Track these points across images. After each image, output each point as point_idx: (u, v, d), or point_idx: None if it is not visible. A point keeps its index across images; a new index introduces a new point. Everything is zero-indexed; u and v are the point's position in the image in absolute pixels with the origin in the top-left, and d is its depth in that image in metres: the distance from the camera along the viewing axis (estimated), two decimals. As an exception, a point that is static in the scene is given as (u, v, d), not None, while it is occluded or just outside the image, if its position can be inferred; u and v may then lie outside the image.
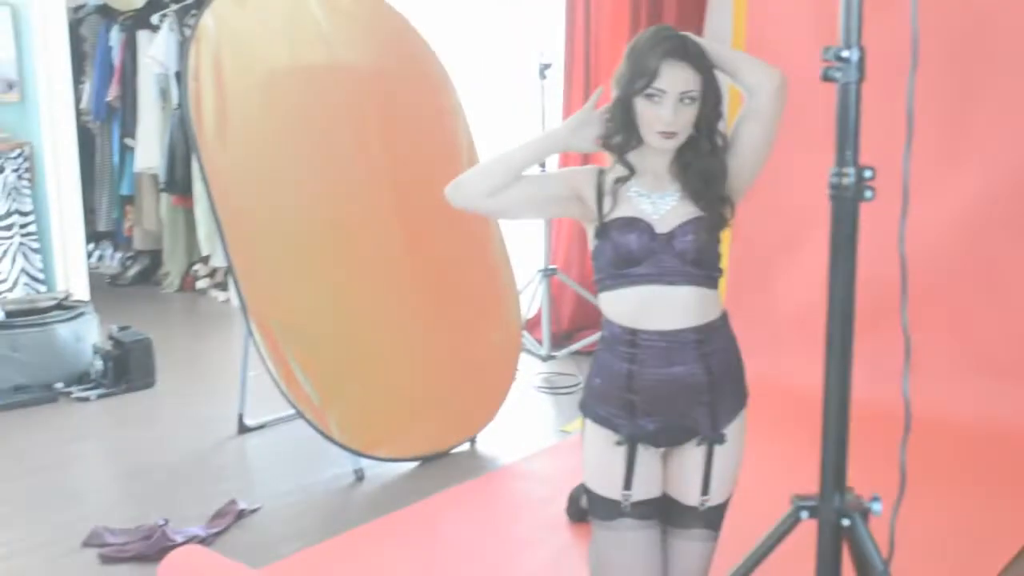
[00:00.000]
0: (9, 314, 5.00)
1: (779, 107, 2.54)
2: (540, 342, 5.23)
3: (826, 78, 1.49)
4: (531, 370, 5.01)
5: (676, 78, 2.45)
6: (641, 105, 2.49)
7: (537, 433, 4.25)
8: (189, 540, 3.23)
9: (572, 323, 5.47)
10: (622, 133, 2.57)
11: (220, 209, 3.65)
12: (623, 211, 2.57)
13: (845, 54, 1.45)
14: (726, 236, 4.88)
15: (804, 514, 1.61)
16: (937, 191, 4.26)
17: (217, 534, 3.34)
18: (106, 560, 3.19)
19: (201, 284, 7.07)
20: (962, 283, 4.26)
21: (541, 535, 3.28)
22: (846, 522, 1.58)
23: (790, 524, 1.65)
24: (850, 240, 1.51)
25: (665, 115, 2.45)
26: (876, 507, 1.54)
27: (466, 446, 4.07)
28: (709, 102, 2.51)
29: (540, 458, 3.94)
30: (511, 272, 4.34)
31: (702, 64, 2.48)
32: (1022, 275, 4.07)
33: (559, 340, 5.24)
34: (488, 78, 5.69)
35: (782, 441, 3.64)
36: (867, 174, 1.50)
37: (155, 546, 3.18)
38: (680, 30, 2.57)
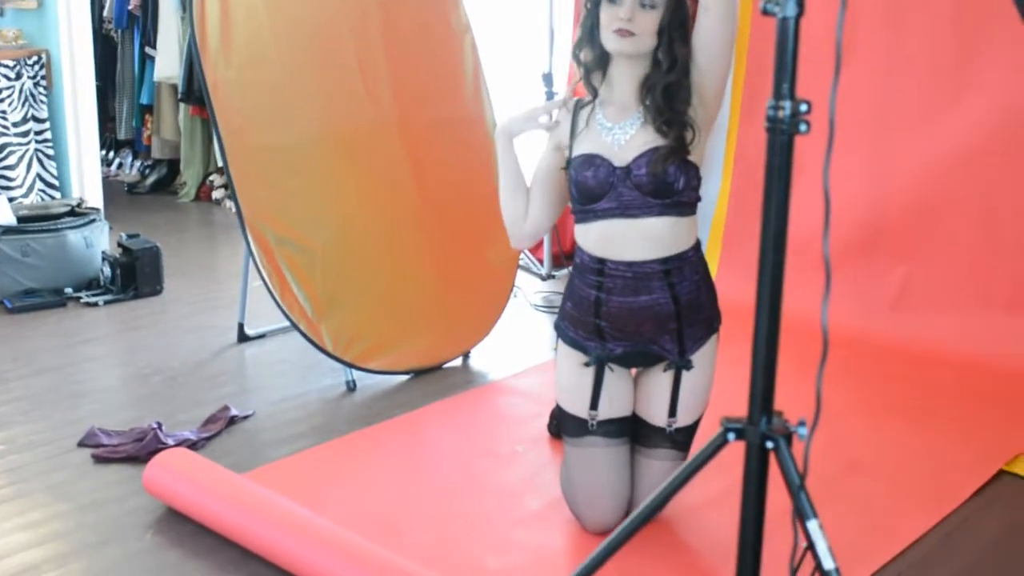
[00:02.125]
0: (21, 219, 5.09)
1: None
2: (541, 262, 5.29)
3: (764, 12, 1.52)
4: (531, 288, 5.08)
5: None
6: (603, 10, 2.53)
7: (532, 351, 4.32)
8: (180, 443, 3.32)
9: (573, 244, 5.50)
10: (588, 45, 2.61)
11: (221, 122, 3.70)
12: (586, 147, 2.62)
13: (784, -11, 1.48)
14: (729, 161, 4.95)
15: (731, 436, 1.68)
16: (935, 124, 4.26)
17: (208, 438, 3.44)
18: (98, 460, 3.30)
19: (217, 194, 7.14)
20: (959, 216, 4.27)
21: (521, 449, 3.37)
22: (770, 444, 1.64)
23: (718, 445, 1.72)
24: (784, 172, 1.55)
25: (622, 12, 2.49)
26: (801, 431, 1.60)
27: (459, 361, 4.15)
28: (671, 11, 2.53)
29: (529, 374, 4.02)
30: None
31: None
32: (1015, 210, 4.08)
33: (559, 260, 5.29)
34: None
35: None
36: (803, 108, 1.53)
37: (146, 448, 3.29)
38: None
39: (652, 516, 1.81)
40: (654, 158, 2.53)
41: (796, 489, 1.59)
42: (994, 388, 3.83)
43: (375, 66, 4.11)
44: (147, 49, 7.37)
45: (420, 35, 4.28)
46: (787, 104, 1.53)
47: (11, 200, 5.43)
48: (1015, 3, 1.53)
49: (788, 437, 1.64)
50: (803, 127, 1.53)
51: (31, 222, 5.08)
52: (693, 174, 2.60)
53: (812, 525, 1.64)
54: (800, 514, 1.64)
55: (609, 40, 2.55)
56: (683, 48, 2.56)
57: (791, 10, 1.50)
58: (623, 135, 2.59)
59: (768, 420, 1.64)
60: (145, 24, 7.37)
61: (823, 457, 3.23)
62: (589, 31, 2.61)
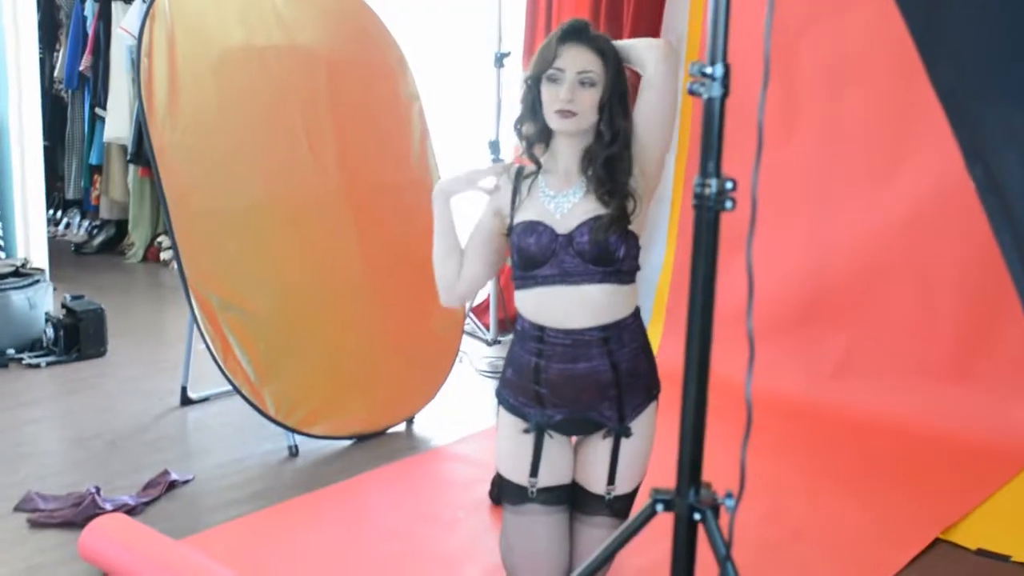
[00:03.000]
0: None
1: (667, 71, 2.62)
2: (487, 327, 5.32)
3: (691, 92, 1.56)
4: (477, 354, 5.09)
5: (573, 59, 2.56)
6: (544, 89, 2.58)
7: (476, 416, 4.32)
8: (118, 508, 3.29)
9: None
10: (530, 120, 2.66)
11: (166, 185, 3.71)
12: (528, 213, 2.65)
13: (709, 70, 1.52)
14: (673, 231, 5.00)
15: (660, 507, 1.70)
16: (873, 197, 4.36)
17: (147, 503, 3.42)
18: (34, 525, 3.26)
19: (165, 255, 7.12)
20: (897, 286, 4.34)
21: (462, 515, 3.37)
22: (698, 516, 1.66)
23: (647, 516, 1.73)
24: (710, 248, 1.59)
25: (562, 93, 2.54)
26: (728, 503, 1.62)
27: (403, 427, 4.15)
28: (611, 88, 2.58)
29: (472, 440, 4.02)
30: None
31: (603, 48, 2.57)
32: (952, 280, 4.16)
33: (505, 326, 5.31)
34: (446, 67, 5.75)
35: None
36: (728, 185, 1.57)
37: (83, 513, 3.26)
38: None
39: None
40: (596, 226, 2.57)
41: (722, 560, 1.61)
42: (934, 456, 3.89)
43: (322, 133, 4.15)
44: (97, 110, 7.38)
45: (367, 103, 4.33)
46: (713, 182, 1.57)
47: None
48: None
49: (716, 508, 1.65)
50: (729, 204, 1.56)
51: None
52: (633, 243, 2.63)
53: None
54: (727, 584, 1.66)
55: (552, 120, 2.59)
56: (624, 121, 2.61)
57: (716, 91, 1.54)
58: (566, 203, 2.63)
59: (696, 492, 1.66)
60: (95, 85, 7.39)
61: (768, 525, 3.30)
62: (531, 106, 2.66)
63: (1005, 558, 3.12)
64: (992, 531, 3.28)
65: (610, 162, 2.60)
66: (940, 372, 4.23)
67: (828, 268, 4.52)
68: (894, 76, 4.24)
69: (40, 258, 5.99)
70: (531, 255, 2.61)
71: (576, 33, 2.59)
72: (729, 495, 1.61)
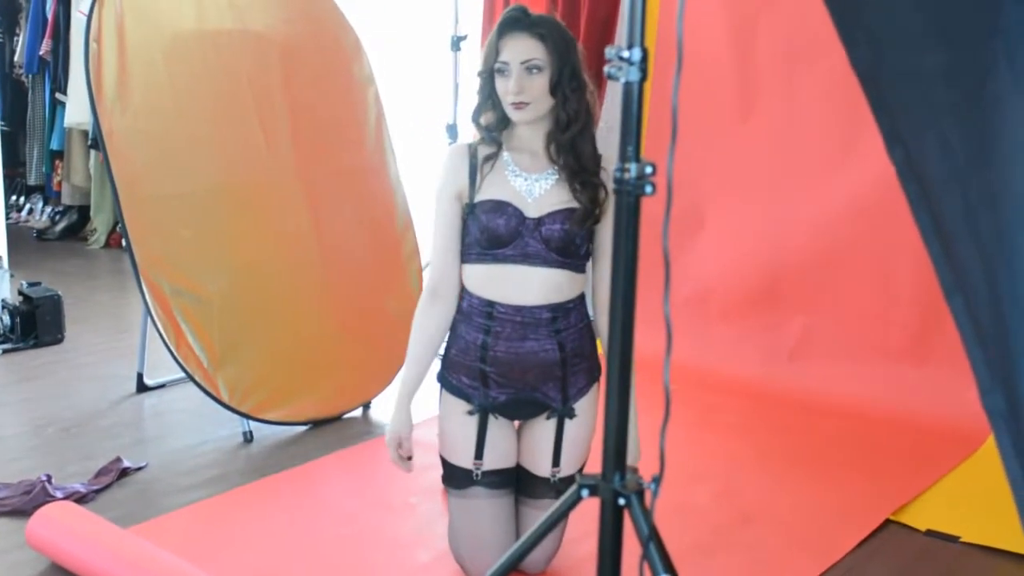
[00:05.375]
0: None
1: None
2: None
3: (608, 76, 1.55)
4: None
5: (516, 48, 2.56)
6: (496, 82, 2.59)
7: (432, 402, 4.30)
8: (69, 496, 3.28)
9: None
10: (489, 110, 2.66)
11: (116, 170, 3.68)
12: (493, 192, 2.64)
13: (626, 54, 1.52)
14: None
15: (585, 492, 1.69)
16: (832, 179, 4.36)
17: (99, 491, 3.40)
18: (-12, 513, 3.25)
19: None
20: (855, 268, 4.36)
21: (415, 501, 3.37)
22: (622, 501, 1.66)
23: (573, 501, 1.73)
24: (631, 232, 1.58)
25: (511, 85, 2.54)
26: (653, 487, 1.62)
27: (359, 412, 4.14)
28: (558, 70, 2.58)
29: (427, 425, 3.99)
30: (414, 243, 4.39)
31: (543, 33, 2.56)
32: (908, 262, 4.17)
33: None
34: (403, 51, 5.73)
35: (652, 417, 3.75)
36: (648, 170, 1.57)
37: (33, 501, 3.23)
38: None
39: (511, 568, 1.82)
40: (571, 219, 2.58)
41: (645, 544, 1.61)
42: (888, 438, 3.91)
43: (275, 118, 4.12)
44: (58, 95, 7.32)
45: (321, 87, 4.30)
46: (633, 166, 1.57)
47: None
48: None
49: (640, 493, 1.65)
50: (648, 188, 1.56)
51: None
52: (590, 237, 2.65)
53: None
54: (652, 569, 1.66)
55: (510, 112, 2.60)
56: (579, 100, 2.61)
57: (634, 75, 1.53)
58: (537, 187, 2.63)
59: (621, 477, 1.66)
60: (56, 70, 7.32)
61: (720, 506, 3.31)
62: (488, 96, 2.66)
63: (954, 539, 3.14)
64: (942, 512, 3.30)
65: (575, 145, 2.61)
66: (896, 354, 4.25)
67: (786, 250, 4.53)
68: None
69: (-1, 245, 5.94)
70: (497, 236, 2.61)
71: (514, 23, 2.59)
72: (655, 479, 1.61)
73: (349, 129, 4.34)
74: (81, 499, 3.29)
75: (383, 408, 4.17)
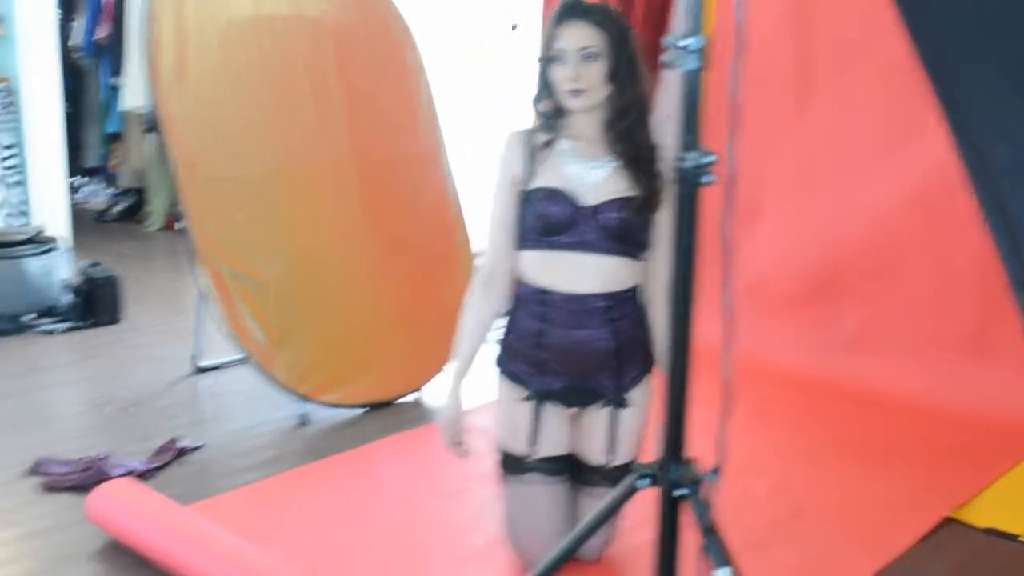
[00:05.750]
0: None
1: None
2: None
3: (667, 65, 1.54)
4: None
5: (572, 36, 2.54)
6: (554, 70, 2.57)
7: (488, 387, 4.30)
8: (127, 473, 3.32)
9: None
10: (546, 98, 2.65)
11: (173, 154, 3.71)
12: (548, 179, 2.63)
13: (684, 43, 1.50)
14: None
15: (642, 482, 1.68)
16: (891, 169, 4.31)
17: (156, 469, 3.44)
18: (46, 488, 3.29)
19: (180, 224, 7.12)
20: (915, 259, 4.30)
21: (469, 486, 3.37)
22: (680, 492, 1.64)
23: (630, 491, 1.72)
24: (690, 221, 1.57)
25: (567, 72, 2.53)
26: (711, 478, 1.61)
27: (413, 396, 4.15)
28: (615, 57, 2.56)
29: (483, 411, 4.00)
30: (465, 231, 4.40)
31: (600, 20, 2.55)
32: (968, 254, 4.11)
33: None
34: (455, 38, 5.71)
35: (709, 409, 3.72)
36: (707, 159, 1.55)
37: (93, 477, 3.28)
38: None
39: (568, 557, 1.81)
40: (628, 207, 2.56)
41: (705, 536, 1.60)
42: (946, 434, 3.85)
43: (330, 102, 4.14)
44: (114, 79, 7.38)
45: (375, 72, 4.31)
46: (692, 155, 1.55)
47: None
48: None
49: (697, 485, 1.64)
50: (707, 178, 1.54)
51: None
52: (648, 224, 2.63)
53: (723, 573, 1.64)
54: (712, 561, 1.65)
55: (566, 100, 2.59)
56: (635, 88, 2.60)
57: (692, 63, 1.52)
58: (594, 174, 2.62)
59: (678, 467, 1.64)
60: (113, 53, 7.38)
61: (773, 500, 3.28)
62: (545, 85, 2.65)
63: (1014, 537, 3.09)
64: (1002, 510, 3.25)
65: (632, 133, 2.60)
66: (956, 348, 4.19)
67: (844, 241, 4.48)
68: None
69: (61, 225, 6.01)
70: (553, 223, 2.61)
71: (570, 10, 2.58)
72: (714, 471, 1.60)
73: (402, 116, 4.35)
74: (139, 477, 3.33)
75: (437, 394, 4.17)
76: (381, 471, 3.49)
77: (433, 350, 4.21)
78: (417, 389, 4.17)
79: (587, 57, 2.55)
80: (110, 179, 7.89)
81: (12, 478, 3.38)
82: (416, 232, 4.24)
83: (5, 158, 5.90)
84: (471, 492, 3.34)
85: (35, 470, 3.41)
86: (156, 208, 7.36)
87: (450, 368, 2.89)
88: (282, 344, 3.79)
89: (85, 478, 3.30)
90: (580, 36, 2.56)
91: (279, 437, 3.75)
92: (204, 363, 4.38)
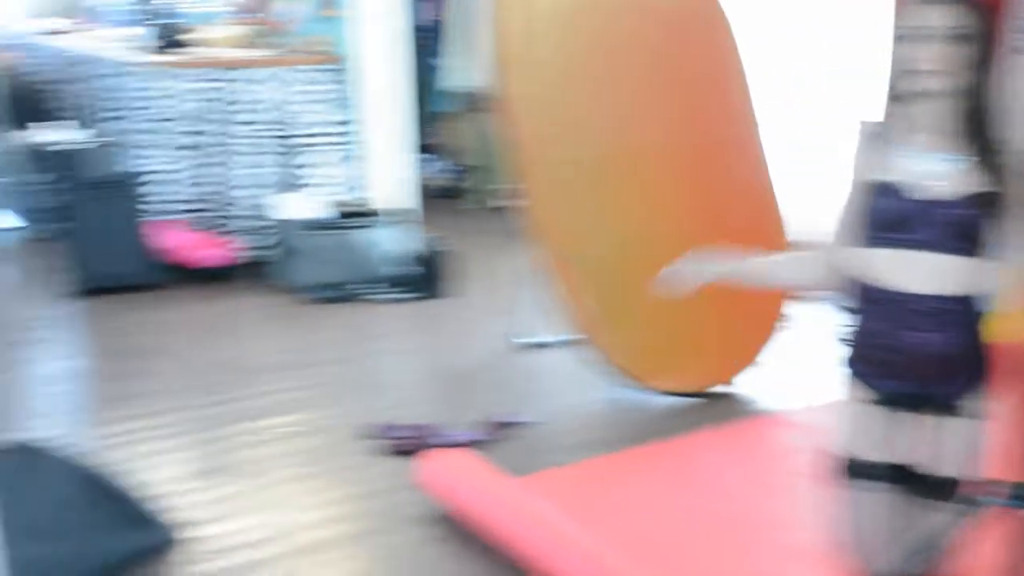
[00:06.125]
0: (325, 217, 5.37)
1: None
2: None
3: (1015, 51, 1.41)
4: (823, 320, 4.94)
5: (941, 13, 2.38)
6: (910, 50, 2.43)
7: (813, 384, 4.18)
8: (456, 443, 3.44)
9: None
10: (899, 78, 2.52)
11: (512, 134, 3.80)
12: (885, 172, 2.52)
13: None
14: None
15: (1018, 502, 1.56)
16: None
17: (484, 441, 3.55)
18: (386, 451, 3.48)
19: (505, 203, 7.27)
20: None
21: (796, 483, 3.28)
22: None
23: (1003, 510, 1.60)
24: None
25: (929, 52, 2.39)
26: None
27: (739, 387, 4.11)
28: (981, 41, 2.40)
29: (822, 411, 3.90)
30: (781, 219, 4.32)
31: (971, 2, 2.39)
32: None
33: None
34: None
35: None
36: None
37: (424, 444, 3.42)
38: None
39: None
40: (973, 204, 2.43)
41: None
42: None
43: (660, 88, 4.13)
44: (437, 60, 7.61)
45: (699, 60, 4.26)
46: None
47: (319, 198, 5.72)
48: None
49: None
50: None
51: (334, 220, 5.35)
52: (998, 223, 2.48)
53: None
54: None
55: (917, 82, 2.45)
56: (995, 75, 2.45)
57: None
58: (935, 168, 2.49)
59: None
60: (438, 33, 7.62)
61: None
62: (899, 64, 2.53)
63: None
64: None
65: (984, 124, 2.46)
66: None
67: None
68: None
69: (403, 200, 6.20)
70: (887, 219, 2.50)
71: None
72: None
73: (726, 101, 4.30)
74: (471, 447, 3.43)
75: (751, 386, 4.10)
76: (705, 461, 3.45)
77: (747, 341, 4.18)
78: (729, 380, 4.14)
79: (950, 38, 2.41)
80: (440, 157, 8.16)
81: (346, 438, 3.58)
82: (734, 219, 4.17)
83: (342, 134, 6.12)
84: (797, 489, 3.26)
85: (370, 432, 3.58)
86: (485, 186, 7.54)
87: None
88: (610, 326, 3.82)
89: (417, 444, 3.44)
90: (949, 14, 2.42)
91: (604, 418, 3.81)
92: (522, 340, 4.48)
